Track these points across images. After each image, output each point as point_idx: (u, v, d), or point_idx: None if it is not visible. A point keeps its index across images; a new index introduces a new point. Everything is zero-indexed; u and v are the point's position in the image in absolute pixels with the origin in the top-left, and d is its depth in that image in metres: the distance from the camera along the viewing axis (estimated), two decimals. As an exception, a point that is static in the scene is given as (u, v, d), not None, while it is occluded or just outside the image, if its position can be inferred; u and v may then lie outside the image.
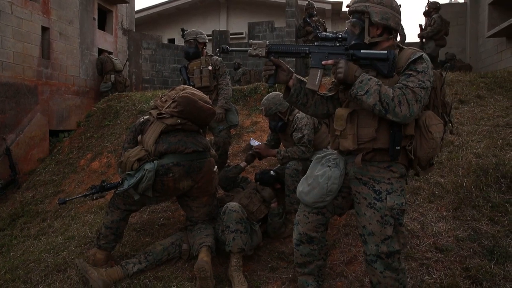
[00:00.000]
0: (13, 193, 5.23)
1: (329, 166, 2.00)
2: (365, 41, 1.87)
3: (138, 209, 2.96)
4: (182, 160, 2.66)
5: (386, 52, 1.79)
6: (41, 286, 2.68)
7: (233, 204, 2.77)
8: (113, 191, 2.81)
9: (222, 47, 2.04)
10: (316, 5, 8.51)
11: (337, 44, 1.89)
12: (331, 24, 14.10)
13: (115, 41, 8.56)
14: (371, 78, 1.74)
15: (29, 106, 5.84)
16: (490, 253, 2.50)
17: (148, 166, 2.55)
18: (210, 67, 3.85)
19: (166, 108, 2.72)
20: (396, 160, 1.83)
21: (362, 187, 1.90)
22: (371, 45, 1.88)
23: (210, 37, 11.58)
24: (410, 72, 1.75)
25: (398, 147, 1.79)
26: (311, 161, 3.23)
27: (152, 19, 15.21)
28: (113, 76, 7.58)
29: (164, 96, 2.87)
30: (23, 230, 4.03)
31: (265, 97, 3.37)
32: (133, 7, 9.56)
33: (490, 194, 2.96)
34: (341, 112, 1.89)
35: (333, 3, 13.32)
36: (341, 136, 1.90)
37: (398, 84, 1.74)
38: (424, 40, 7.66)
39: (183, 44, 13.61)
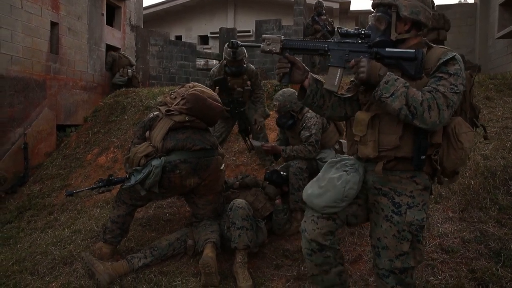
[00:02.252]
0: (21, 186, 5.28)
1: (345, 170, 1.80)
2: (391, 37, 1.69)
3: (144, 204, 2.98)
4: (189, 157, 2.66)
5: (414, 50, 1.62)
6: (48, 278, 2.70)
7: (239, 201, 2.78)
8: (119, 185, 2.84)
9: (232, 42, 1.96)
10: (324, 3, 8.47)
11: (359, 41, 1.72)
12: (338, 23, 14.03)
13: (123, 37, 8.59)
14: (398, 79, 1.57)
15: (37, 100, 5.88)
16: (496, 256, 2.49)
17: (155, 162, 2.56)
18: (249, 83, 3.92)
19: (175, 105, 2.73)
20: (421, 170, 1.67)
21: (381, 197, 1.74)
22: (397, 43, 1.71)
23: (218, 35, 11.59)
24: (441, 75, 1.57)
25: (423, 157, 1.62)
26: (316, 160, 3.26)
27: (159, 16, 15.25)
28: (130, 70, 7.69)
29: (173, 93, 2.87)
30: (30, 223, 4.08)
31: (281, 93, 3.33)
32: (141, 3, 9.58)
33: (497, 196, 2.94)
34: (362, 116, 1.71)
35: (341, 2, 13.25)
36: (360, 143, 1.73)
37: (428, 87, 1.56)
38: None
39: (190, 41, 13.58)
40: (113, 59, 7.67)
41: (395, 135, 1.65)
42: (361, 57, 1.66)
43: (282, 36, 1.76)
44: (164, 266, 2.73)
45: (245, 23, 14.47)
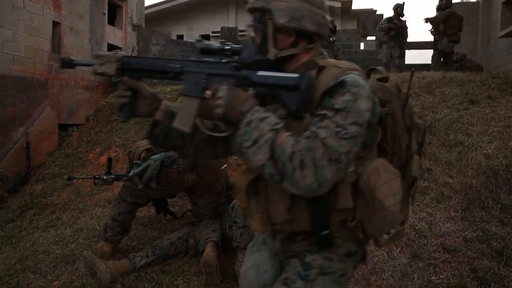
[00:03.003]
0: (23, 185, 5.29)
1: (259, 250, 1.39)
2: (269, 55, 1.18)
3: (144, 203, 2.99)
4: None
5: (296, 75, 1.10)
6: (50, 276, 2.71)
7: None
8: (121, 183, 2.87)
9: (63, 59, 1.31)
10: (326, 2, 8.45)
11: (225, 61, 1.19)
12: (340, 22, 14.01)
13: (124, 37, 8.60)
14: (264, 118, 1.05)
15: (39, 100, 5.89)
16: (499, 255, 2.48)
17: (154, 157, 2.61)
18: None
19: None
20: (325, 248, 1.18)
21: (291, 258, 1.26)
22: (282, 62, 1.21)
23: (219, 34, 11.58)
24: (323, 112, 1.03)
25: (326, 232, 1.14)
26: None
27: (161, 15, 15.25)
28: None
29: None
30: (33, 222, 4.09)
31: None
32: (143, 3, 9.58)
33: (500, 195, 2.93)
34: (240, 180, 1.19)
35: (342, 1, 13.23)
36: (246, 214, 1.25)
37: (307, 132, 1.02)
38: (437, 36, 7.59)
39: (191, 40, 13.58)
40: None
41: (283, 206, 1.15)
42: (222, 83, 1.13)
43: (121, 53, 1.29)
44: (166, 265, 2.74)
45: (247, 22, 14.44)
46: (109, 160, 3.01)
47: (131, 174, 2.62)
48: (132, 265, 2.62)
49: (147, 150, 2.67)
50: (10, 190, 5.06)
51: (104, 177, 2.91)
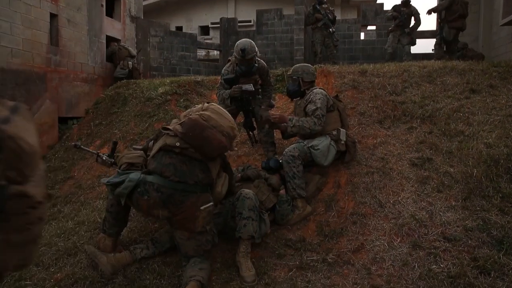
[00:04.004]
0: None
1: None
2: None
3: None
4: (164, 186, 2.31)
5: None
6: (52, 269, 2.73)
7: (247, 191, 2.76)
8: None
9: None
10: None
11: None
12: (340, 12, 13.89)
13: (123, 28, 8.54)
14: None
15: (38, 93, 5.87)
16: (499, 244, 2.49)
17: (133, 175, 2.38)
18: (259, 81, 3.92)
19: (178, 124, 2.42)
20: None
21: None
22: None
23: (218, 25, 11.49)
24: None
25: None
26: (309, 147, 3.27)
27: (159, 6, 15.13)
28: (130, 62, 7.64)
29: (191, 109, 2.58)
30: (34, 215, 4.10)
31: (299, 64, 3.73)
32: (141, -6, 9.49)
33: (500, 184, 2.93)
34: None
35: (343, -10, 13.11)
36: None
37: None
38: (441, 24, 7.56)
39: (191, 32, 13.48)
40: (112, 51, 7.62)
41: None
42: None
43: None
44: (167, 257, 2.75)
45: (246, 13, 14.35)
46: (114, 143, 3.04)
47: (104, 180, 2.54)
48: (133, 257, 2.63)
49: (131, 164, 2.53)
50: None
51: (104, 158, 2.96)
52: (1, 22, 5.15)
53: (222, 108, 2.53)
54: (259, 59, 3.86)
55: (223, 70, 3.93)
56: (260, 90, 3.95)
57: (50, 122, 6.11)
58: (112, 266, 2.51)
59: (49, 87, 6.09)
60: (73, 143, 2.95)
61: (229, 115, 2.53)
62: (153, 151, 2.48)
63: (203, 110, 2.44)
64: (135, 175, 2.38)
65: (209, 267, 2.49)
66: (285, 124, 3.41)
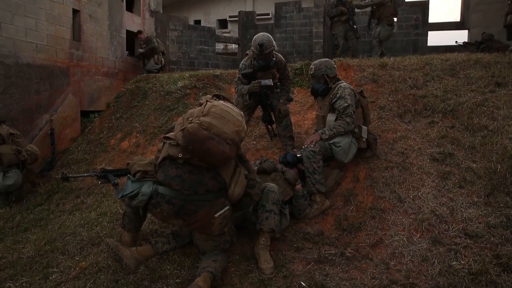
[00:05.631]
0: (49, 170, 5.48)
1: None
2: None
3: None
4: (175, 198, 2.25)
5: None
6: (77, 257, 2.83)
7: (272, 185, 2.77)
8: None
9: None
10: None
11: None
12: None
13: (142, 23, 8.64)
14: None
15: (61, 87, 6.03)
16: (523, 241, 2.43)
17: (145, 188, 2.31)
18: (277, 75, 3.88)
19: (180, 130, 2.22)
20: None
21: None
22: None
23: (237, 18, 11.47)
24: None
25: None
26: (330, 144, 3.24)
27: (178, 1, 15.20)
28: (163, 58, 7.92)
29: (193, 111, 2.32)
30: (59, 206, 4.25)
31: (317, 60, 3.60)
32: (160, -12, 9.57)
33: (525, 180, 2.85)
34: None
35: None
36: None
37: None
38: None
39: (209, 25, 13.50)
40: (154, 46, 7.84)
41: None
42: None
43: None
44: (187, 248, 2.80)
45: (264, 6, 14.27)
46: (102, 170, 2.78)
47: (118, 196, 2.41)
48: (155, 250, 2.66)
49: (144, 172, 2.40)
50: (37, 175, 5.25)
51: (100, 182, 2.79)
52: (27, 18, 5.30)
53: (227, 108, 2.25)
54: (276, 53, 3.85)
55: (240, 65, 3.94)
56: (278, 84, 3.93)
57: (73, 116, 6.28)
58: (136, 260, 2.54)
59: (72, 82, 6.25)
60: (61, 176, 2.77)
61: (236, 114, 2.26)
62: (159, 160, 2.36)
63: (203, 114, 2.19)
64: (147, 188, 2.31)
65: (225, 259, 2.47)
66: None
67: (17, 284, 2.57)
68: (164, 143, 2.41)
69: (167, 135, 2.38)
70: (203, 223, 2.30)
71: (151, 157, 2.65)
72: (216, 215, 2.29)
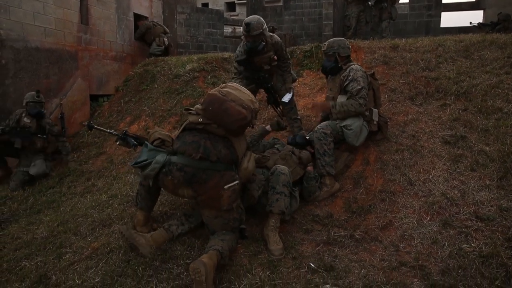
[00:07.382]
0: (60, 154, 5.53)
1: None
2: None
3: None
4: (187, 165, 2.34)
5: None
6: (89, 238, 2.88)
7: (282, 167, 2.77)
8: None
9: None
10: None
11: None
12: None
13: (150, 6, 8.55)
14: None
15: (70, 71, 6.04)
16: (536, 224, 2.40)
17: (159, 157, 2.42)
18: (275, 57, 3.77)
19: (199, 104, 2.48)
20: None
21: None
22: None
23: (245, 1, 11.29)
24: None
25: None
26: (341, 127, 3.22)
27: (185, -17, 14.97)
28: (165, 39, 7.74)
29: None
30: (70, 188, 4.31)
31: (333, 38, 3.61)
32: (167, -30, 9.42)
33: (540, 163, 2.80)
34: None
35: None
36: None
37: None
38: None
39: (217, 8, 13.30)
40: (147, 27, 7.68)
41: None
42: None
43: None
44: (198, 230, 2.82)
45: None
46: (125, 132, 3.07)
47: (133, 162, 2.53)
48: (169, 234, 2.63)
49: (162, 140, 2.54)
50: (48, 158, 5.31)
51: (117, 143, 3.04)
52: (35, 2, 5.28)
53: (239, 86, 2.56)
54: (272, 34, 3.78)
55: (236, 51, 3.87)
56: (276, 63, 3.83)
57: (82, 100, 6.30)
58: (151, 247, 2.53)
59: (80, 65, 6.25)
60: (85, 124, 3.03)
61: (247, 91, 2.54)
62: (177, 131, 2.54)
63: (221, 88, 2.49)
64: (161, 157, 2.40)
65: (233, 239, 2.50)
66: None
67: (32, 263, 2.63)
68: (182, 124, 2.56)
69: (187, 107, 2.58)
70: (212, 194, 2.37)
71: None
72: (226, 186, 2.37)
